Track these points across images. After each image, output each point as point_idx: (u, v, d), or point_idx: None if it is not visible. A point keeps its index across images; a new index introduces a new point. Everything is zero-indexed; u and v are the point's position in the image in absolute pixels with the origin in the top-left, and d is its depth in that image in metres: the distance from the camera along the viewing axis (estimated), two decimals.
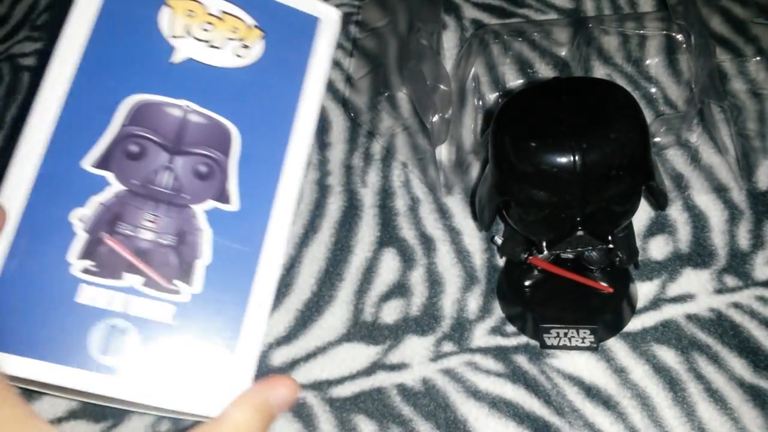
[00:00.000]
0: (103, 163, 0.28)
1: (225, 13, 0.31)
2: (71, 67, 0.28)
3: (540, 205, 0.32)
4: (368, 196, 0.46)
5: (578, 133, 0.30)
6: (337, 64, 0.54)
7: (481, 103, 0.50)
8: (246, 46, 0.31)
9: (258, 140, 0.30)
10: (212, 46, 0.31)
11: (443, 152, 0.48)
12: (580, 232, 0.32)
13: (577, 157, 0.30)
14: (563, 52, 0.50)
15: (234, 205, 0.29)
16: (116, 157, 0.28)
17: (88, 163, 0.28)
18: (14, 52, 0.55)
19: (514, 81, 0.50)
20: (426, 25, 0.49)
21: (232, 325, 0.27)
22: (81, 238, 0.27)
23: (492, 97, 0.50)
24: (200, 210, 0.29)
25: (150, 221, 0.28)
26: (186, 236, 0.28)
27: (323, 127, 0.50)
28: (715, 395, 0.36)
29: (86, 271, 0.27)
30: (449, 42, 0.54)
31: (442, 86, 0.49)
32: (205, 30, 0.31)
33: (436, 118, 0.47)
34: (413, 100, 0.45)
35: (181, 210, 0.28)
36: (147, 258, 0.27)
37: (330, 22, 0.33)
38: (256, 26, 0.31)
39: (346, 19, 0.57)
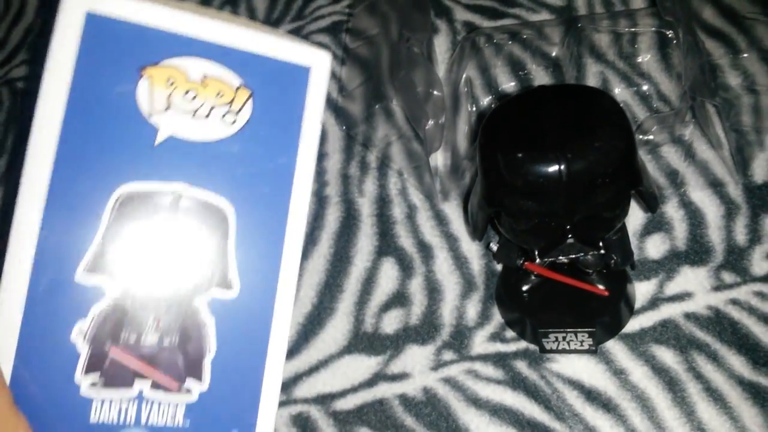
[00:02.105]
0: (96, 268, 0.26)
1: (207, 77, 0.28)
2: (47, 169, 0.25)
3: (529, 215, 0.32)
4: (365, 206, 0.47)
5: (562, 143, 0.30)
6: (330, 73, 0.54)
7: (474, 107, 0.50)
8: (234, 111, 0.29)
9: (255, 214, 0.28)
10: (197, 117, 0.28)
11: (439, 158, 0.48)
12: (570, 240, 0.32)
13: (562, 167, 0.30)
14: (555, 52, 0.50)
15: (236, 290, 0.27)
16: (109, 259, 0.26)
17: (81, 272, 0.25)
18: (12, 77, 0.56)
19: (507, 83, 0.50)
20: (416, 33, 0.49)
21: (248, 414, 0.27)
22: (85, 353, 0.25)
23: (485, 100, 0.50)
24: (202, 302, 0.27)
25: (153, 323, 0.27)
26: (190, 332, 0.27)
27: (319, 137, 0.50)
28: (714, 394, 0.36)
29: (94, 384, 0.26)
30: (441, 46, 0.55)
31: (435, 92, 0.49)
32: (188, 100, 0.28)
33: (430, 125, 0.48)
34: (405, 110, 0.45)
35: (183, 304, 0.27)
36: (155, 362, 0.26)
37: (321, 69, 0.30)
38: (242, 85, 0.29)
39: (338, 28, 0.57)
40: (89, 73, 0.26)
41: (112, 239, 0.26)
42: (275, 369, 0.27)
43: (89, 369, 0.25)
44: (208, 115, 0.28)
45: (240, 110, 0.28)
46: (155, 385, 0.26)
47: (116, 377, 0.26)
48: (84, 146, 0.26)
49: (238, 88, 0.29)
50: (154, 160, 0.27)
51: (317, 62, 0.29)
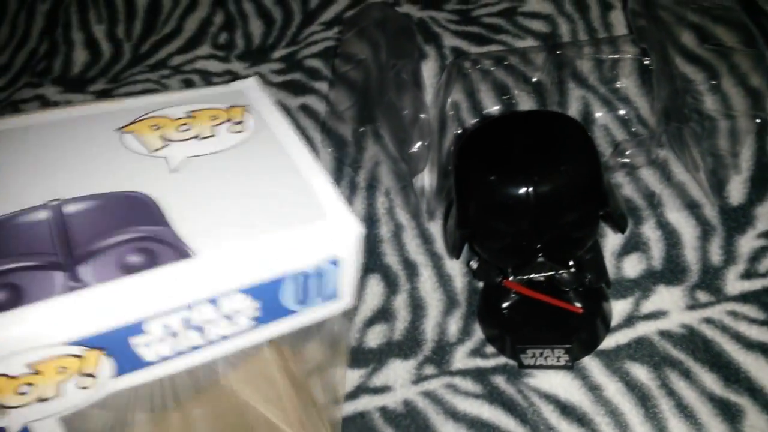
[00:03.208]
0: None
1: (194, 111, 0.27)
2: None
3: (500, 235, 0.34)
4: None
5: (530, 167, 0.32)
6: (320, 95, 0.56)
7: (460, 130, 0.52)
8: (235, 122, 0.27)
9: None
10: (201, 139, 0.26)
11: (425, 179, 0.50)
12: (540, 259, 0.34)
13: (529, 189, 0.31)
14: (538, 77, 0.52)
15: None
16: None
17: None
18: (15, 99, 0.58)
19: (492, 107, 0.52)
20: (403, 60, 0.50)
21: None
22: None
23: (471, 122, 0.52)
24: None
25: None
26: None
27: None
28: (685, 411, 0.37)
29: None
30: (430, 70, 0.56)
31: (422, 115, 0.51)
32: (183, 131, 0.26)
33: (416, 147, 0.49)
34: (388, 133, 0.47)
35: None
36: None
37: (253, 88, 0.30)
38: (232, 106, 0.28)
39: (330, 53, 0.59)
40: None
41: None
42: None
43: None
44: (213, 134, 0.26)
45: (242, 120, 0.27)
46: None
47: None
48: None
49: (229, 108, 0.28)
50: (180, 180, 0.24)
51: (249, 86, 0.30)
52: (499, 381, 0.39)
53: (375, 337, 0.42)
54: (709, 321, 0.40)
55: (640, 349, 0.40)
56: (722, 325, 0.40)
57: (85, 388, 0.21)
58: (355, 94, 0.51)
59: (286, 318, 0.24)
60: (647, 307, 0.41)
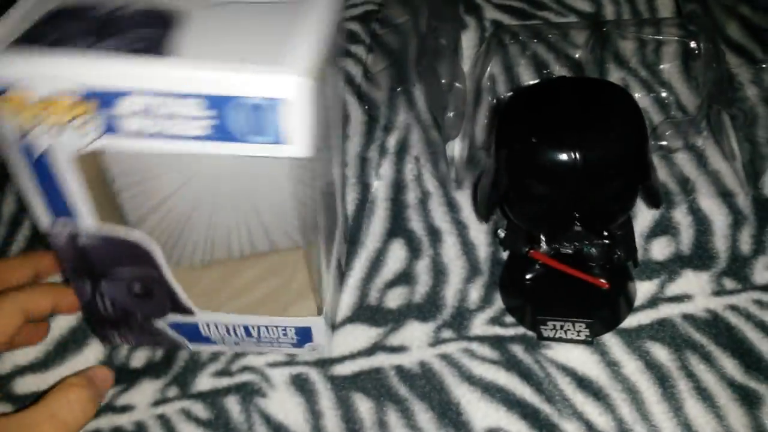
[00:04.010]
0: None
1: None
2: None
3: (539, 200, 0.33)
4: (381, 189, 0.48)
5: (579, 132, 0.31)
6: (356, 58, 0.56)
7: (495, 101, 0.51)
8: None
9: None
10: None
11: (456, 148, 0.49)
12: (577, 227, 0.34)
13: (577, 155, 0.31)
14: (579, 55, 0.51)
15: None
16: None
17: None
18: None
19: (529, 81, 0.52)
20: (445, 24, 0.50)
21: None
22: None
23: (507, 95, 0.52)
24: None
25: None
26: None
27: (342, 120, 0.52)
28: (703, 393, 0.37)
29: None
30: (469, 41, 0.56)
31: (457, 84, 0.50)
32: None
33: (449, 115, 0.49)
34: (426, 97, 0.47)
35: None
36: None
37: None
38: None
39: (369, 17, 0.58)
40: None
41: None
42: None
43: None
44: None
45: None
46: None
47: None
48: None
49: None
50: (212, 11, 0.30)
51: None
52: (517, 350, 0.39)
53: (395, 299, 0.42)
54: (733, 308, 0.40)
55: (662, 331, 0.39)
56: (747, 312, 0.39)
57: (84, 131, 0.28)
58: (393, 56, 0.51)
59: (237, 143, 0.28)
60: (672, 289, 0.41)
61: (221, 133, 0.28)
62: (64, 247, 0.34)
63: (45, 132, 0.29)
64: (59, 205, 0.32)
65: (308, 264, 0.37)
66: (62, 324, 0.43)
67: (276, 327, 0.37)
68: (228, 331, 0.38)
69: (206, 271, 0.37)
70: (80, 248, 0.34)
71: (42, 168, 0.30)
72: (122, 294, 0.36)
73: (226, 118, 0.28)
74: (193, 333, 0.38)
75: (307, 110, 0.28)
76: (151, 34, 0.28)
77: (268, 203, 0.37)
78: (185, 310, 0.37)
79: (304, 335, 0.38)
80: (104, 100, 0.28)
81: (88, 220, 0.32)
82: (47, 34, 0.29)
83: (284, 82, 0.27)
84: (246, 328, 0.38)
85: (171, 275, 0.35)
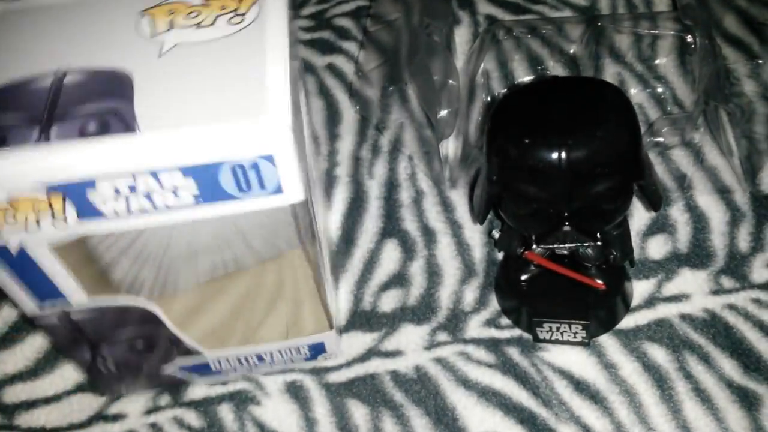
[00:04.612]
0: None
1: None
2: None
3: (528, 200, 0.33)
4: (374, 188, 0.47)
5: (565, 131, 0.31)
6: (348, 56, 0.55)
7: (489, 99, 0.51)
8: (240, 14, 0.29)
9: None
10: (201, 27, 0.29)
11: (450, 146, 0.49)
12: (567, 228, 0.33)
13: (562, 154, 0.30)
14: (574, 50, 0.50)
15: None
16: None
17: None
18: None
19: (524, 77, 0.51)
20: (437, 21, 0.49)
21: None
22: None
23: (501, 93, 0.51)
24: None
25: None
26: None
27: (334, 118, 0.51)
28: (702, 395, 0.36)
29: None
30: (462, 37, 0.55)
31: (451, 81, 0.49)
32: (191, 18, 0.29)
33: (443, 113, 0.48)
34: (419, 95, 0.46)
35: None
36: None
37: None
38: None
39: (361, 13, 0.58)
40: None
41: None
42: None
43: None
44: (213, 23, 0.28)
45: (247, 12, 0.29)
46: None
47: None
48: None
49: None
50: (163, 64, 0.27)
51: None
52: (513, 353, 0.39)
53: (389, 302, 0.42)
54: (732, 307, 0.39)
55: (660, 331, 0.39)
56: (745, 312, 0.39)
57: (57, 225, 0.26)
58: (385, 54, 0.50)
59: (229, 201, 0.27)
60: (670, 289, 0.40)
61: (212, 195, 0.26)
62: (56, 326, 0.32)
63: (15, 231, 0.26)
64: (45, 290, 0.30)
65: (313, 281, 0.36)
66: None
67: (289, 348, 0.37)
68: (240, 361, 0.37)
69: (207, 310, 0.35)
70: (74, 323, 0.32)
71: (21, 259, 0.28)
72: (125, 352, 0.34)
73: (216, 181, 0.26)
74: (204, 369, 0.37)
75: (295, 155, 0.26)
76: (104, 107, 0.26)
77: (260, 235, 0.35)
78: (193, 353, 0.35)
79: (317, 349, 0.37)
80: (71, 191, 0.25)
81: (79, 297, 0.30)
82: None
83: (270, 135, 0.25)
84: (259, 356, 0.37)
85: (173, 326, 0.33)
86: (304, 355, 0.38)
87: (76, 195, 0.26)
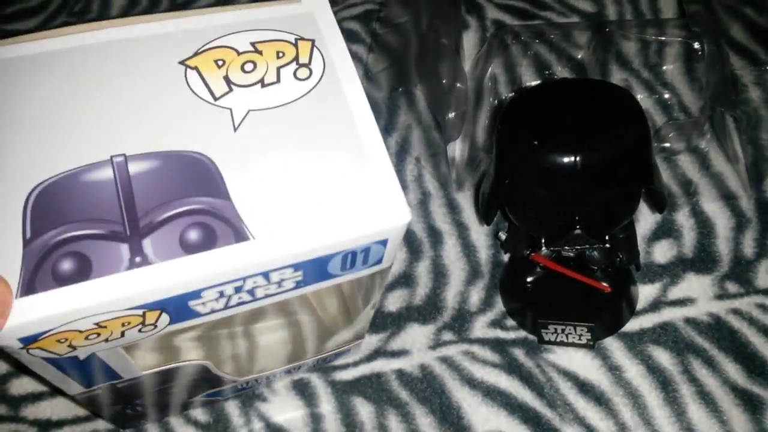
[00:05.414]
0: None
1: (258, 43, 0.25)
2: None
3: (539, 202, 0.33)
4: None
5: (579, 135, 0.31)
6: (357, 58, 0.55)
7: (497, 102, 0.51)
8: (304, 64, 0.25)
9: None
10: (266, 85, 0.24)
11: (456, 149, 0.49)
12: (577, 231, 0.33)
13: (577, 158, 0.31)
14: (581, 55, 0.51)
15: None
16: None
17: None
18: None
19: (531, 82, 0.51)
20: (446, 24, 0.50)
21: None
22: None
23: (508, 96, 0.51)
24: None
25: None
26: None
27: None
28: (706, 398, 0.36)
29: None
30: (470, 41, 0.55)
31: (458, 84, 0.50)
32: (248, 72, 0.24)
33: (450, 116, 0.48)
34: (427, 97, 0.46)
35: None
36: None
37: (323, 9, 0.27)
38: (299, 38, 0.25)
39: (370, 16, 0.58)
40: None
41: (41, 264, 0.21)
42: None
43: None
44: (278, 80, 0.24)
45: (309, 61, 0.25)
46: None
47: None
48: None
49: (297, 41, 0.25)
50: (242, 141, 0.23)
51: (320, 7, 0.27)
52: (518, 353, 0.39)
53: (395, 302, 0.42)
54: (736, 312, 0.39)
55: (664, 335, 0.39)
56: (750, 317, 0.39)
57: (144, 332, 0.23)
58: (394, 56, 0.50)
59: (330, 280, 0.25)
60: (675, 293, 0.41)
61: (316, 278, 0.24)
62: (96, 397, 0.29)
63: (93, 345, 0.23)
64: (101, 376, 0.27)
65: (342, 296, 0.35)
66: None
67: (318, 359, 0.36)
68: (268, 377, 0.36)
69: (256, 355, 0.33)
70: (117, 391, 0.29)
71: (87, 360, 0.24)
72: (160, 397, 0.32)
73: (324, 269, 0.23)
74: (232, 391, 0.37)
75: (402, 233, 0.24)
76: (196, 206, 0.22)
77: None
78: (227, 383, 0.34)
79: (340, 354, 0.38)
80: (172, 304, 0.22)
81: (132, 373, 0.28)
82: (56, 253, 0.21)
83: (391, 224, 0.23)
84: (288, 370, 0.36)
85: (219, 371, 0.31)
86: (330, 360, 0.38)
87: (176, 307, 0.22)
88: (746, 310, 0.39)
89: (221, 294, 0.22)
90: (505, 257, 0.43)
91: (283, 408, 0.38)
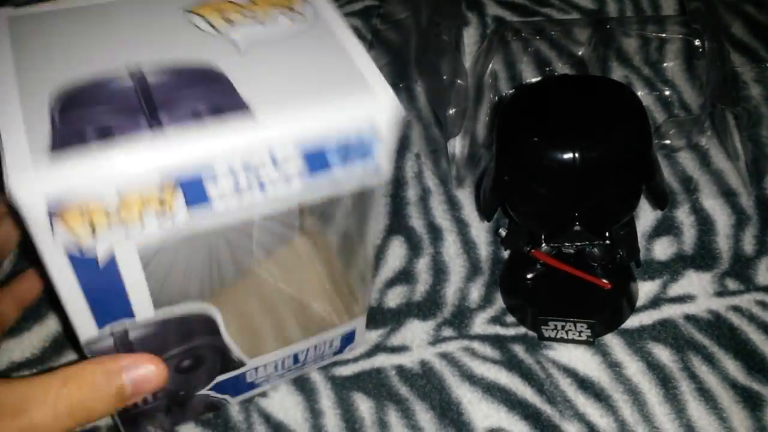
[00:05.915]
0: None
1: None
2: None
3: (539, 199, 0.33)
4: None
5: (579, 131, 0.31)
6: None
7: (497, 99, 0.51)
8: (297, 12, 0.29)
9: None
10: (268, 24, 0.28)
11: (457, 145, 0.49)
12: (577, 227, 0.33)
13: (576, 155, 0.31)
14: (582, 52, 0.51)
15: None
16: None
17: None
18: None
19: (532, 78, 0.51)
20: (446, 21, 0.50)
21: None
22: None
23: (509, 93, 0.51)
24: None
25: None
26: None
27: None
28: (706, 394, 0.36)
29: None
30: (470, 38, 0.55)
31: (459, 81, 0.50)
32: (247, 16, 0.28)
33: (451, 112, 0.48)
34: (427, 93, 0.46)
35: None
36: None
37: None
38: None
39: (370, 12, 0.58)
40: None
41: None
42: None
43: None
44: (275, 21, 0.28)
45: (303, 10, 0.28)
46: None
47: None
48: None
49: None
50: (248, 59, 0.26)
51: None
52: (518, 350, 0.39)
53: (395, 298, 0.42)
54: (736, 309, 0.39)
55: (664, 331, 0.39)
56: (750, 314, 0.39)
57: (162, 224, 0.24)
58: (394, 52, 0.50)
59: (328, 172, 0.27)
60: (675, 290, 0.41)
61: (318, 166, 0.26)
62: (107, 350, 0.29)
63: (115, 234, 0.24)
64: (115, 309, 0.27)
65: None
66: (58, 319, 0.42)
67: (324, 342, 0.36)
68: (276, 366, 0.36)
69: (251, 311, 0.32)
70: (128, 343, 0.29)
71: (106, 271, 0.25)
72: (171, 373, 0.31)
73: (323, 153, 0.26)
74: (238, 384, 0.36)
75: (393, 130, 0.26)
76: (208, 95, 0.24)
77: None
78: (236, 365, 0.34)
79: (346, 340, 0.37)
80: (187, 180, 0.24)
81: (145, 311, 0.28)
82: (83, 125, 0.23)
83: (381, 105, 0.25)
84: (295, 356, 0.36)
85: (227, 335, 0.31)
86: (335, 348, 0.37)
87: (190, 184, 0.24)
88: (746, 307, 0.39)
89: (233, 178, 0.24)
90: (506, 254, 0.43)
91: (283, 403, 0.38)
